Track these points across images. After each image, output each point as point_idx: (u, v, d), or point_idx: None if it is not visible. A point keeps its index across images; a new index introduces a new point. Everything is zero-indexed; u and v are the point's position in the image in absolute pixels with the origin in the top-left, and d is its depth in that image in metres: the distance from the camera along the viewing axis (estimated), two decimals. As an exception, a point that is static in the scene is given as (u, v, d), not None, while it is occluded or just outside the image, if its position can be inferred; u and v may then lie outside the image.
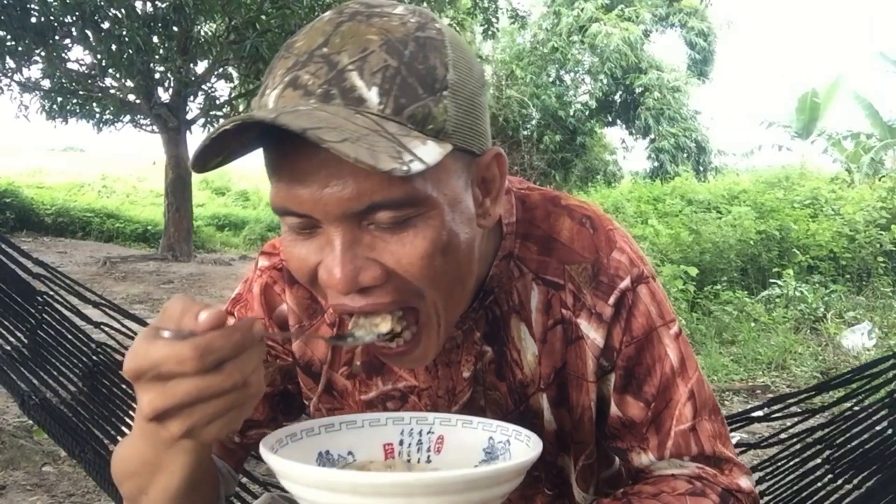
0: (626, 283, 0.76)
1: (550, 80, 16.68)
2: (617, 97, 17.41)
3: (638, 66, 16.34)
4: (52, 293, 1.66)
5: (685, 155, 16.50)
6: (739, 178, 13.21)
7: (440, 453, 0.76)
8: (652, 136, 16.92)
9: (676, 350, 0.77)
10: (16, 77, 9.83)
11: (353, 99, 0.59)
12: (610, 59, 15.73)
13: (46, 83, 10.32)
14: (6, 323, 1.61)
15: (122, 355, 1.65)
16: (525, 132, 15.74)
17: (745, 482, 0.77)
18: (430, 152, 0.59)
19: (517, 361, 0.78)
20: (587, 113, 17.05)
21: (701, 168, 16.60)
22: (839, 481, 1.30)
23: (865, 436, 1.33)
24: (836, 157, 15.17)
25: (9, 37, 8.55)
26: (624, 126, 17.93)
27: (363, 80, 0.59)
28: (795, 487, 1.35)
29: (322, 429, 0.72)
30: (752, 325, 5.43)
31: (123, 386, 1.65)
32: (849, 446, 1.33)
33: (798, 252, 6.93)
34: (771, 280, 6.49)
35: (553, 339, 0.78)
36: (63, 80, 10.22)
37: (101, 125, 11.55)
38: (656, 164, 16.79)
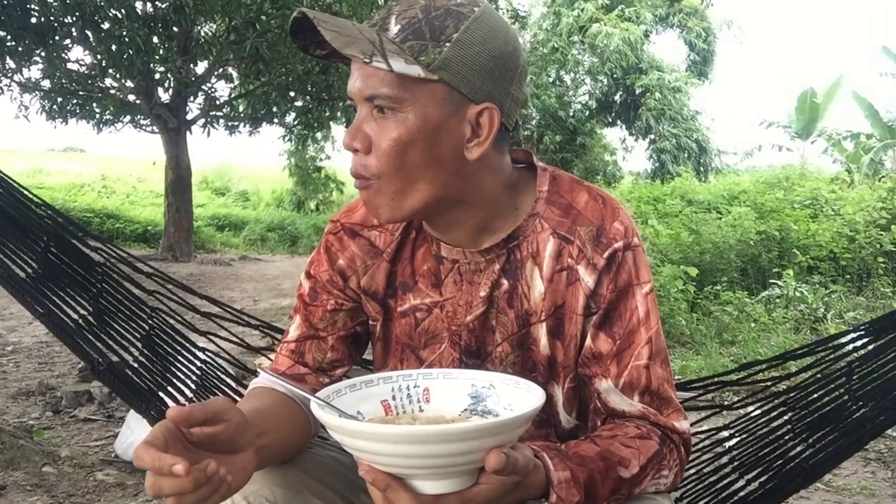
0: (619, 244, 0.98)
1: (550, 80, 16.66)
2: (617, 97, 17.40)
3: (638, 67, 16.33)
4: (109, 264, 1.82)
5: (686, 155, 16.51)
6: (739, 178, 13.19)
7: (429, 402, 0.90)
8: (652, 137, 16.92)
9: (644, 305, 0.98)
10: (16, 77, 9.82)
11: (382, 27, 0.89)
12: (610, 59, 15.72)
13: (46, 83, 10.32)
14: (73, 293, 1.75)
15: (174, 319, 1.86)
16: (525, 132, 15.74)
17: (680, 424, 0.98)
18: (405, 68, 0.86)
19: (525, 295, 1.00)
20: (587, 113, 17.04)
21: (701, 168, 16.59)
22: (797, 440, 1.45)
23: (824, 401, 1.47)
24: (836, 157, 15.17)
25: (9, 37, 8.54)
26: (624, 126, 17.93)
27: (395, 20, 0.89)
28: (761, 444, 1.50)
29: (334, 394, 0.85)
30: (752, 325, 5.43)
31: (178, 347, 1.81)
32: (808, 410, 1.48)
33: (798, 252, 6.93)
34: (771, 280, 6.48)
35: (558, 281, 0.99)
36: (63, 81, 10.22)
37: (101, 125, 11.54)
38: (657, 164, 16.79)
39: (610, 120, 17.89)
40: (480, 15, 0.89)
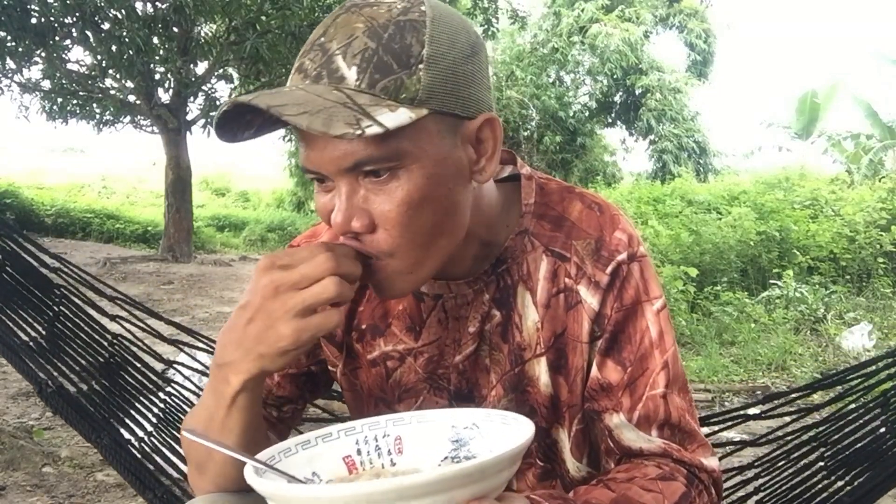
0: (623, 256, 0.84)
1: (550, 80, 16.67)
2: (617, 98, 17.42)
3: (638, 67, 16.34)
4: (69, 286, 1.72)
5: (686, 155, 16.52)
6: (739, 178, 13.20)
7: (402, 454, 0.76)
8: (653, 137, 16.92)
9: (657, 325, 0.85)
10: (16, 78, 9.83)
11: (336, 78, 0.70)
12: (610, 59, 15.73)
13: (47, 84, 10.32)
14: (25, 315, 1.67)
15: (138, 346, 1.74)
16: (525, 133, 15.74)
17: (708, 461, 0.84)
18: (396, 117, 0.68)
19: (518, 325, 0.86)
20: (587, 114, 17.05)
21: (701, 169, 16.60)
22: (832, 478, 1.32)
23: (859, 434, 1.35)
24: (836, 157, 15.16)
25: (9, 38, 8.54)
26: (624, 127, 17.93)
27: (345, 62, 0.70)
28: (791, 484, 1.38)
29: (281, 454, 0.72)
30: (752, 325, 5.43)
31: (138, 376, 1.72)
32: (843, 444, 1.36)
33: (798, 253, 6.93)
34: (771, 281, 6.49)
35: (556, 306, 0.85)
36: (63, 81, 10.22)
37: (101, 126, 11.55)
38: (658, 164, 16.80)
39: (610, 120, 17.89)
40: (432, 13, 0.72)
